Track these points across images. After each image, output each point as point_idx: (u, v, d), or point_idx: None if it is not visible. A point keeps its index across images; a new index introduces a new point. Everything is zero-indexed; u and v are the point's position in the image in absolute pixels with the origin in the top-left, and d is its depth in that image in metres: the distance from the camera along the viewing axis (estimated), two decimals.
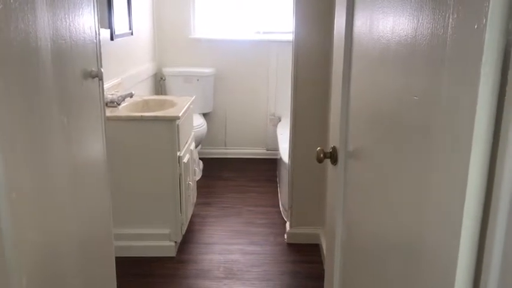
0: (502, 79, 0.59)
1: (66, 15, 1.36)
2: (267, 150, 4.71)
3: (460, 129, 0.65)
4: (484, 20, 0.58)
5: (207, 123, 4.37)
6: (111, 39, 3.01)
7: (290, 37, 2.89)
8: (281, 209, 3.48)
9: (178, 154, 2.74)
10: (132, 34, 3.49)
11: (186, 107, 2.91)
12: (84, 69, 1.54)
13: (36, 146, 1.18)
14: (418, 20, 0.80)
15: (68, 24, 1.37)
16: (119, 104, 2.84)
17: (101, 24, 2.65)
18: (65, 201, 1.39)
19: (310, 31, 2.74)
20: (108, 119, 2.34)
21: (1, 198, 0.98)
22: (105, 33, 2.92)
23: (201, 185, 3.83)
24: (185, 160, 2.88)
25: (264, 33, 4.51)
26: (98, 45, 1.67)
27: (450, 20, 0.68)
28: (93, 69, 1.61)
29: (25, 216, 1.11)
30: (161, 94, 4.45)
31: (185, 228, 2.98)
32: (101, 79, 1.68)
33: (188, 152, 3.02)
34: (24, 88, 1.11)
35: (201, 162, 4.30)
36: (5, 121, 0.99)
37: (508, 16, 0.57)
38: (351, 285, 1.34)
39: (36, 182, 1.19)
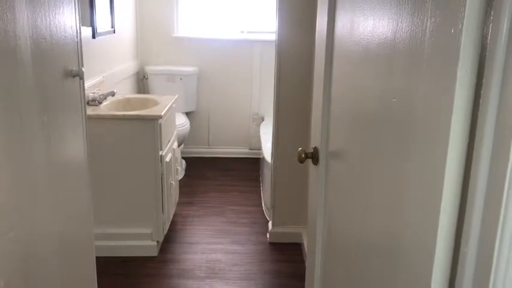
0: (477, 82, 0.60)
1: (47, 14, 1.34)
2: (250, 149, 4.71)
3: (437, 130, 0.66)
4: (460, 25, 0.60)
5: (190, 122, 4.36)
6: (93, 37, 2.98)
7: (273, 37, 2.90)
8: (264, 208, 3.49)
9: (160, 153, 2.72)
10: (114, 32, 3.46)
11: (168, 105, 2.89)
12: (64, 68, 1.52)
13: (15, 145, 1.17)
14: (397, 23, 0.81)
15: (48, 22, 1.36)
16: (101, 103, 2.81)
17: (83, 23, 2.62)
18: (44, 201, 1.37)
19: (293, 31, 2.75)
20: (90, 117, 2.32)
21: None
22: (86, 31, 2.89)
23: (183, 184, 3.81)
24: (167, 159, 2.87)
25: (248, 32, 4.51)
26: (79, 44, 1.65)
27: (428, 23, 0.69)
28: (74, 68, 1.60)
29: (3, 217, 1.09)
30: (144, 93, 4.42)
31: (167, 228, 2.97)
32: (81, 78, 1.67)
33: (170, 151, 3.01)
34: (3, 87, 1.10)
35: (183, 162, 4.29)
36: None
37: (483, 21, 0.58)
38: (332, 284, 1.36)
39: (15, 182, 1.17)
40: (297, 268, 2.72)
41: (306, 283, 1.68)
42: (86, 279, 1.85)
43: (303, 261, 2.78)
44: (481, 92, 0.59)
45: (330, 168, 1.35)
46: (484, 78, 0.58)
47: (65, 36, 1.51)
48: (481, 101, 0.59)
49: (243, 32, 4.52)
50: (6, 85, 1.11)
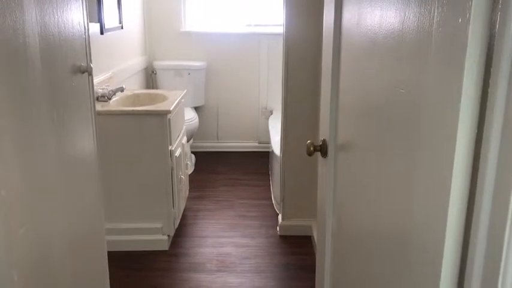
0: (485, 72, 0.60)
1: (55, 11, 1.35)
2: (259, 143, 4.71)
3: (445, 121, 0.66)
4: (468, 14, 0.59)
5: (199, 116, 4.37)
6: (101, 33, 2.99)
7: (281, 30, 2.89)
8: (273, 202, 3.50)
9: (170, 148, 2.74)
10: (122, 28, 3.47)
11: (177, 100, 2.90)
12: (73, 64, 1.53)
13: (25, 142, 1.18)
14: (405, 14, 0.80)
15: (56, 19, 1.36)
16: (110, 99, 2.83)
17: (91, 19, 2.63)
18: (55, 197, 1.39)
19: (300, 23, 2.74)
20: (99, 113, 2.34)
21: None
22: (94, 27, 2.90)
23: (193, 178, 3.83)
24: (177, 154, 2.88)
25: (255, 25, 4.50)
26: (87, 40, 1.66)
27: (435, 13, 0.68)
28: (83, 64, 1.61)
29: (15, 212, 1.11)
30: (152, 88, 4.44)
31: (178, 222, 2.99)
32: (90, 74, 1.68)
33: (180, 146, 3.02)
34: (13, 85, 1.11)
35: (193, 156, 4.30)
36: None
37: (491, 10, 0.58)
38: (342, 276, 1.36)
39: (26, 179, 1.19)
40: (307, 261, 2.72)
41: (316, 275, 1.69)
42: (98, 273, 1.87)
43: (313, 254, 2.78)
44: (490, 81, 0.58)
45: (339, 161, 1.35)
46: (492, 67, 0.58)
47: (73, 33, 1.52)
48: (489, 91, 0.59)
49: (250, 25, 4.51)
50: (15, 82, 1.13)
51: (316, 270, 1.68)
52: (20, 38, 1.13)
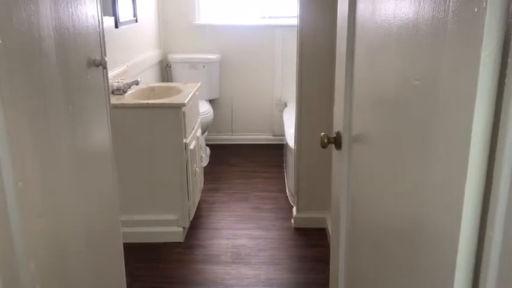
0: (502, 61, 0.58)
1: (69, 4, 1.36)
2: (274, 135, 4.71)
3: (461, 112, 0.65)
4: (484, 3, 0.58)
5: (214, 109, 4.37)
6: (116, 26, 3.01)
7: (295, 21, 2.87)
8: (288, 194, 3.50)
9: (184, 141, 2.75)
10: (136, 21, 3.48)
11: (191, 93, 2.91)
12: (88, 58, 1.54)
13: (42, 135, 1.19)
14: (419, 4, 0.79)
15: (70, 13, 1.37)
16: (125, 92, 2.85)
17: (105, 12, 2.64)
18: (71, 189, 1.40)
19: (314, 15, 2.72)
20: (115, 106, 2.36)
21: (8, 188, 0.99)
22: (109, 21, 2.92)
23: (208, 171, 3.85)
24: (192, 147, 2.89)
25: (269, 18, 4.48)
26: (101, 34, 1.67)
27: (451, 3, 0.67)
28: (97, 57, 1.62)
29: (32, 205, 1.12)
30: (167, 81, 4.45)
31: (193, 214, 3.01)
32: (105, 67, 1.69)
33: (195, 139, 3.03)
34: (28, 78, 1.12)
35: (207, 149, 4.32)
36: (10, 112, 1.00)
37: None
38: (356, 268, 1.35)
39: (43, 171, 1.20)
40: (322, 253, 2.72)
41: (330, 267, 1.69)
42: (114, 264, 1.89)
43: (327, 246, 2.78)
44: (506, 71, 0.57)
45: (353, 153, 1.34)
46: (509, 57, 0.57)
47: (87, 27, 1.53)
48: (506, 81, 0.57)
49: (264, 17, 4.49)
50: (31, 76, 1.14)
51: (330, 262, 1.68)
52: (35, 32, 1.15)
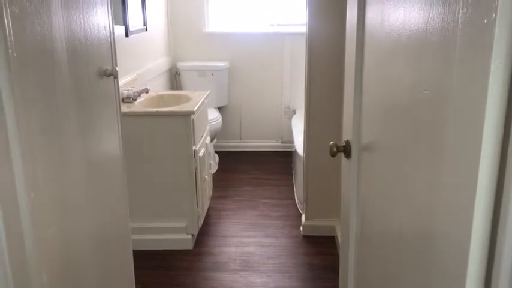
0: None
1: (81, 16, 1.38)
2: (282, 143, 4.71)
3: (470, 123, 0.65)
4: (494, 15, 0.58)
5: (222, 116, 4.39)
6: (126, 35, 3.04)
7: (304, 29, 2.88)
8: (296, 202, 3.49)
9: (193, 148, 2.76)
10: (146, 30, 3.51)
11: (200, 101, 2.93)
12: (99, 68, 1.56)
13: (54, 145, 1.21)
14: (429, 14, 0.80)
15: (82, 24, 1.39)
16: (135, 100, 2.87)
17: (116, 21, 2.67)
18: (82, 198, 1.42)
19: (323, 23, 2.73)
20: (124, 114, 2.38)
21: (21, 198, 1.00)
22: (119, 30, 2.95)
23: (217, 178, 3.86)
24: (201, 154, 2.90)
25: (278, 25, 4.50)
26: (112, 44, 1.69)
27: (460, 14, 0.68)
28: (108, 68, 1.64)
29: (44, 214, 1.14)
30: (176, 89, 4.48)
31: (202, 221, 3.01)
32: (115, 77, 1.71)
33: (204, 146, 3.05)
34: (41, 88, 1.14)
35: (216, 156, 4.33)
36: (23, 121, 1.02)
37: None
38: (365, 276, 1.35)
39: (54, 181, 1.22)
40: (331, 261, 2.71)
41: (340, 275, 1.68)
42: (124, 271, 1.90)
43: (336, 254, 2.77)
44: None
45: (362, 162, 1.34)
46: None
47: (98, 37, 1.55)
48: None
49: (273, 25, 4.51)
50: (44, 86, 1.16)
51: (340, 270, 1.68)
52: (48, 43, 1.16)
